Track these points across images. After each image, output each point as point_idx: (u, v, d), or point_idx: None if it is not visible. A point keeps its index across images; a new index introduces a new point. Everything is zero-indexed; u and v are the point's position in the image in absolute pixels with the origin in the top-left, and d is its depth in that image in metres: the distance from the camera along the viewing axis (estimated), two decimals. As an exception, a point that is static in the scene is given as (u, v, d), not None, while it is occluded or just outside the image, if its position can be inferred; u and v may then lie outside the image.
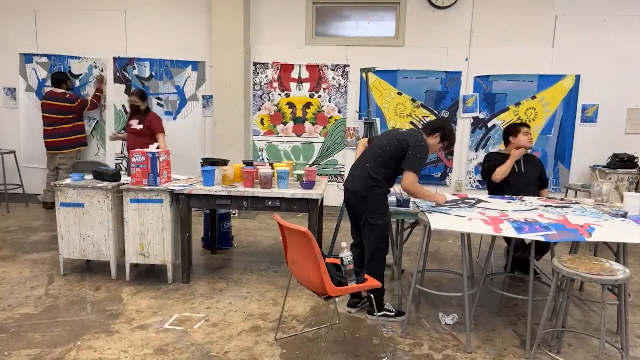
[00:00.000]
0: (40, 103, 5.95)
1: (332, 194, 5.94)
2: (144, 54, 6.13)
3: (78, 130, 5.97)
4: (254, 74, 6.08)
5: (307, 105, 6.07)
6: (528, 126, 3.95)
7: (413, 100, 5.90)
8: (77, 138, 5.96)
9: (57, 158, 5.89)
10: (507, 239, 3.59)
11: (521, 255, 3.68)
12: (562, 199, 3.61)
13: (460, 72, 5.79)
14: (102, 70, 6.17)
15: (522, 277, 3.88)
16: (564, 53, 5.64)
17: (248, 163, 3.98)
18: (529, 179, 3.85)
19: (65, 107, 5.80)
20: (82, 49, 6.16)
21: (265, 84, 6.09)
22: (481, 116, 5.82)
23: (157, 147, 3.81)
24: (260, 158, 4.15)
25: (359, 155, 3.37)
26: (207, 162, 4.02)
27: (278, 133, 6.17)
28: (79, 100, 5.90)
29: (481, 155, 5.84)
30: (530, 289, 2.91)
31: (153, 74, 6.16)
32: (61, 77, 5.90)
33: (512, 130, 3.94)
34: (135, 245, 3.70)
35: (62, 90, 5.84)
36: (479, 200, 3.46)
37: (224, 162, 4.06)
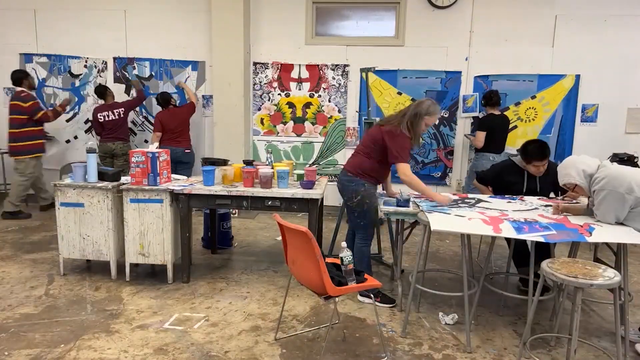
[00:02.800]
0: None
1: (332, 194, 5.94)
2: (144, 54, 6.13)
3: (31, 136, 5.45)
4: (254, 74, 6.08)
5: (307, 105, 6.07)
6: (542, 158, 3.45)
7: (413, 100, 5.90)
8: (29, 145, 5.45)
9: (16, 164, 5.50)
10: (507, 239, 3.59)
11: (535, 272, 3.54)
12: (562, 199, 3.60)
13: (460, 72, 5.79)
14: (101, 71, 6.17)
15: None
16: (564, 53, 5.64)
17: (248, 163, 3.98)
18: (544, 193, 3.69)
19: (17, 107, 5.35)
20: (82, 49, 6.17)
21: (265, 83, 6.09)
22: (481, 116, 5.82)
23: (157, 147, 3.81)
24: (269, 161, 4.14)
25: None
26: (207, 162, 4.02)
27: (278, 133, 6.18)
28: (31, 102, 5.39)
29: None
30: (531, 289, 2.91)
31: (153, 73, 6.16)
32: (20, 75, 5.47)
33: (523, 153, 3.53)
34: (135, 245, 3.70)
35: (21, 89, 5.41)
36: (479, 200, 3.46)
37: (224, 162, 4.07)
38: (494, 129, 5.20)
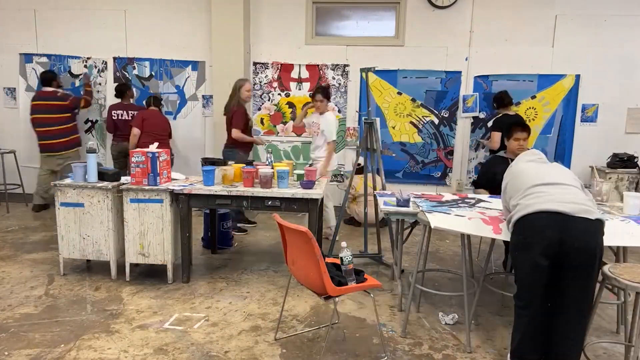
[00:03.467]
0: (30, 105, 5.75)
1: (332, 194, 5.93)
2: (144, 54, 6.13)
3: (73, 131, 5.83)
4: (254, 74, 6.08)
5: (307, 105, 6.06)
6: (523, 129, 3.65)
7: (413, 100, 5.90)
8: (73, 139, 5.81)
9: (54, 160, 5.70)
10: (505, 241, 3.58)
11: None
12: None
13: (460, 72, 5.79)
14: (101, 71, 6.17)
15: None
16: (564, 53, 5.64)
17: (248, 163, 3.98)
18: None
19: (57, 106, 5.64)
20: (82, 49, 6.16)
21: (265, 83, 6.09)
22: (481, 116, 5.82)
23: (157, 147, 3.81)
24: (269, 161, 4.15)
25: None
26: (207, 162, 4.02)
27: (278, 133, 6.18)
28: (70, 98, 5.74)
29: (481, 155, 5.84)
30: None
31: (153, 73, 6.16)
32: (51, 76, 5.78)
33: (507, 130, 3.76)
34: (135, 245, 3.70)
35: (53, 89, 5.71)
36: (479, 200, 3.46)
37: (224, 162, 4.07)
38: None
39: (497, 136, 5.17)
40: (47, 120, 5.65)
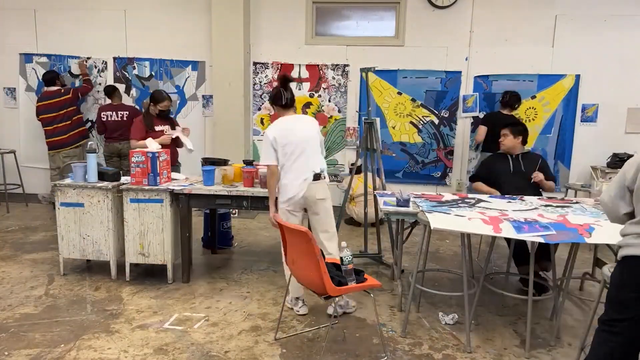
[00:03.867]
0: (36, 106, 5.81)
1: (332, 194, 5.91)
2: (144, 54, 6.13)
3: (79, 123, 5.90)
4: (254, 74, 6.08)
5: (307, 105, 6.07)
6: (510, 126, 3.99)
7: (413, 100, 5.90)
8: (80, 131, 5.87)
9: (60, 156, 5.76)
10: (507, 238, 3.58)
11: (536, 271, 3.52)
12: (562, 199, 3.61)
13: (460, 72, 5.79)
14: (101, 71, 6.17)
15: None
16: (564, 53, 5.63)
17: (248, 163, 3.98)
18: (528, 178, 3.85)
19: (62, 102, 5.70)
20: (82, 49, 6.16)
21: (265, 83, 6.09)
22: (481, 116, 5.82)
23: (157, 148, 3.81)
24: None
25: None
26: (207, 162, 4.02)
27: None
28: (72, 89, 5.83)
29: (481, 155, 5.84)
30: (530, 289, 2.91)
31: (153, 73, 6.16)
32: (53, 75, 5.83)
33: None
34: (135, 245, 3.70)
35: (57, 88, 5.75)
36: (479, 200, 3.46)
37: (224, 162, 4.07)
38: (497, 126, 5.18)
39: (481, 130, 5.29)
40: (55, 117, 5.70)
